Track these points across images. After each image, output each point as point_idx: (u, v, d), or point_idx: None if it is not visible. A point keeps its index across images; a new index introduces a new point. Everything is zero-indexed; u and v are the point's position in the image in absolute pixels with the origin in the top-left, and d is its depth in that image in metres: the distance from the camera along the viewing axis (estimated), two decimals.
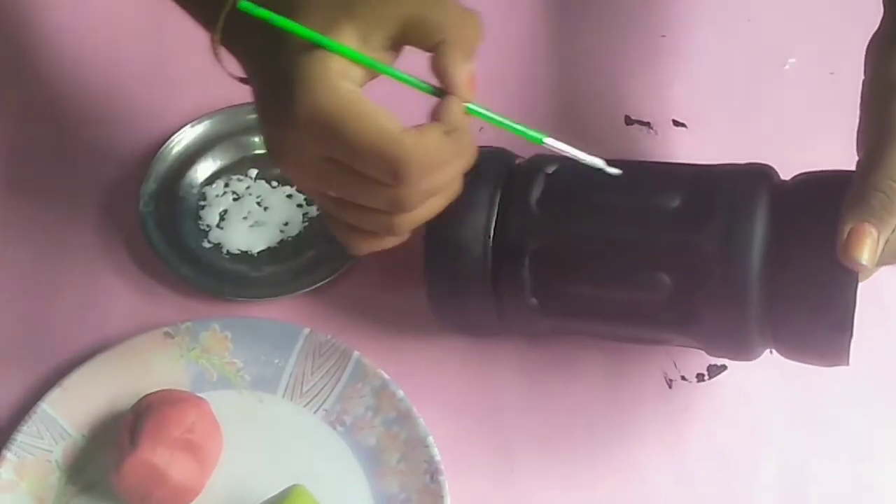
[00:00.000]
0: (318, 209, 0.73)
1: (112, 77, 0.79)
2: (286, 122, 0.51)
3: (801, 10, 0.83)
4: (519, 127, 0.55)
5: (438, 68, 0.53)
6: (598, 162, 0.57)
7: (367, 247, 0.57)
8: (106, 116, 0.77)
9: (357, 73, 0.52)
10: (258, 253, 0.73)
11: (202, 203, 0.74)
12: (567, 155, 0.56)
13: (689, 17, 0.82)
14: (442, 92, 0.53)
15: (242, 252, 0.73)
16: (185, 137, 0.75)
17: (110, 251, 0.72)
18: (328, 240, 0.72)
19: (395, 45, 0.54)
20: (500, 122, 0.55)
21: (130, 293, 0.71)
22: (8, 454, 0.63)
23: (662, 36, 0.81)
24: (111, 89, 0.78)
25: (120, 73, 0.79)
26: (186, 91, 0.77)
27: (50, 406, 0.65)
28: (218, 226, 0.73)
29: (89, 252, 0.72)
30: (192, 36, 0.59)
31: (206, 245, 0.73)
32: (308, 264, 0.72)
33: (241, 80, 0.56)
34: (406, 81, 0.53)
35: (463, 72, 0.52)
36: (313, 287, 0.70)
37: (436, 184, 0.53)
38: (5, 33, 0.81)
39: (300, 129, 0.51)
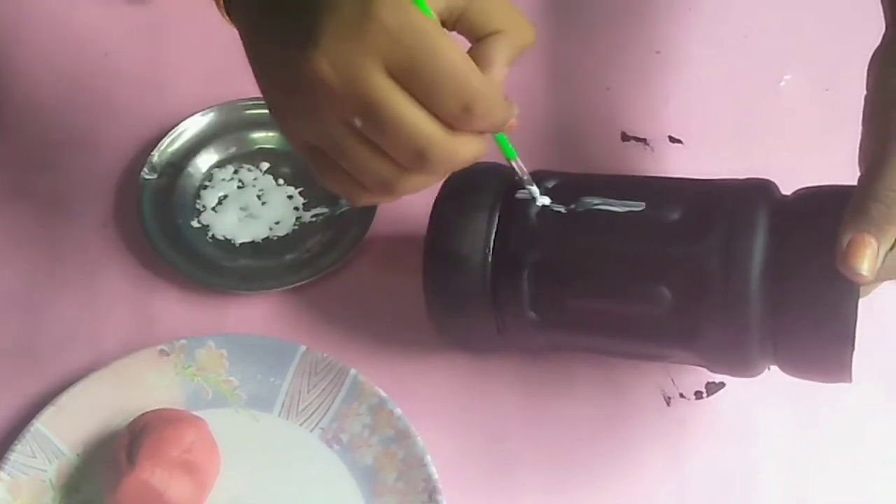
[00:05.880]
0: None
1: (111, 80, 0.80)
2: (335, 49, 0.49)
3: (796, 28, 0.83)
4: (503, 140, 0.57)
5: (482, 51, 0.53)
6: (543, 199, 0.61)
7: (367, 199, 0.55)
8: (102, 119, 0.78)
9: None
10: (240, 244, 0.73)
11: (207, 183, 0.75)
12: (520, 180, 0.60)
13: (685, 33, 0.82)
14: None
15: (226, 239, 0.73)
16: (201, 122, 0.76)
17: (108, 251, 0.73)
18: (307, 249, 0.73)
19: (446, 24, 0.53)
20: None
21: (125, 303, 0.71)
22: (1, 474, 0.62)
23: (657, 52, 0.82)
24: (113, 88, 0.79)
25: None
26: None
27: (44, 424, 0.64)
28: (213, 209, 0.74)
29: (85, 259, 0.72)
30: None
31: (195, 225, 0.73)
32: (286, 266, 0.72)
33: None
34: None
35: (504, 65, 0.53)
36: (282, 289, 0.70)
37: (472, 147, 0.52)
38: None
39: (371, 43, 0.48)
